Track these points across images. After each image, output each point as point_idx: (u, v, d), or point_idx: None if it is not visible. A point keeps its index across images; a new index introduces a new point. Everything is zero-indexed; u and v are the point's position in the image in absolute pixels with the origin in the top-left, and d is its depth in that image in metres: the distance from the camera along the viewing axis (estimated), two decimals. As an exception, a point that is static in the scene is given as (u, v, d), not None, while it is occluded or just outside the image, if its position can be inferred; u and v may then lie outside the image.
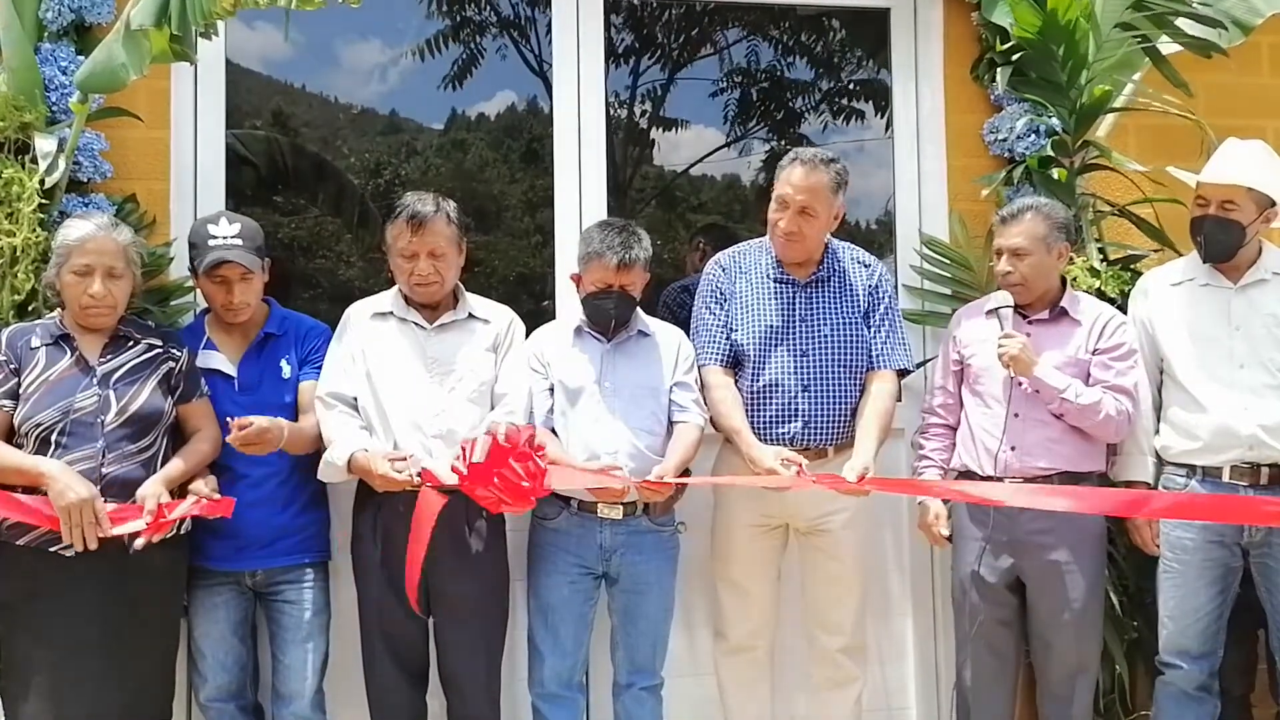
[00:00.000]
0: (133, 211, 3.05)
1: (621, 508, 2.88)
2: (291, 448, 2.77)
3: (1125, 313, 3.13)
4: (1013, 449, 2.96)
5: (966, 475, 3.06)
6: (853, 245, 3.20)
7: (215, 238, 2.79)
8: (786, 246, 3.02)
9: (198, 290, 2.94)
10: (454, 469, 2.70)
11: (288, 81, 4.20)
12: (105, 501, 2.54)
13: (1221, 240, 2.97)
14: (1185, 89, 3.34)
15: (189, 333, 2.93)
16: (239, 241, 2.79)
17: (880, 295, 3.10)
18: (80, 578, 2.55)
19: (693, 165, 4.97)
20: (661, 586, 2.99)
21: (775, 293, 3.06)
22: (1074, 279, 3.21)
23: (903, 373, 3.11)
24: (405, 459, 2.72)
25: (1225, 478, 2.93)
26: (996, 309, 2.96)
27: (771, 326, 3.02)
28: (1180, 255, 3.24)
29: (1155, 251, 3.42)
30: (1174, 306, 3.05)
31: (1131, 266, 3.36)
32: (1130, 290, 3.22)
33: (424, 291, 2.88)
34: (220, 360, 2.85)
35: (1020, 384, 2.97)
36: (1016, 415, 2.96)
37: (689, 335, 3.11)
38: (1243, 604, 3.00)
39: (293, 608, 2.84)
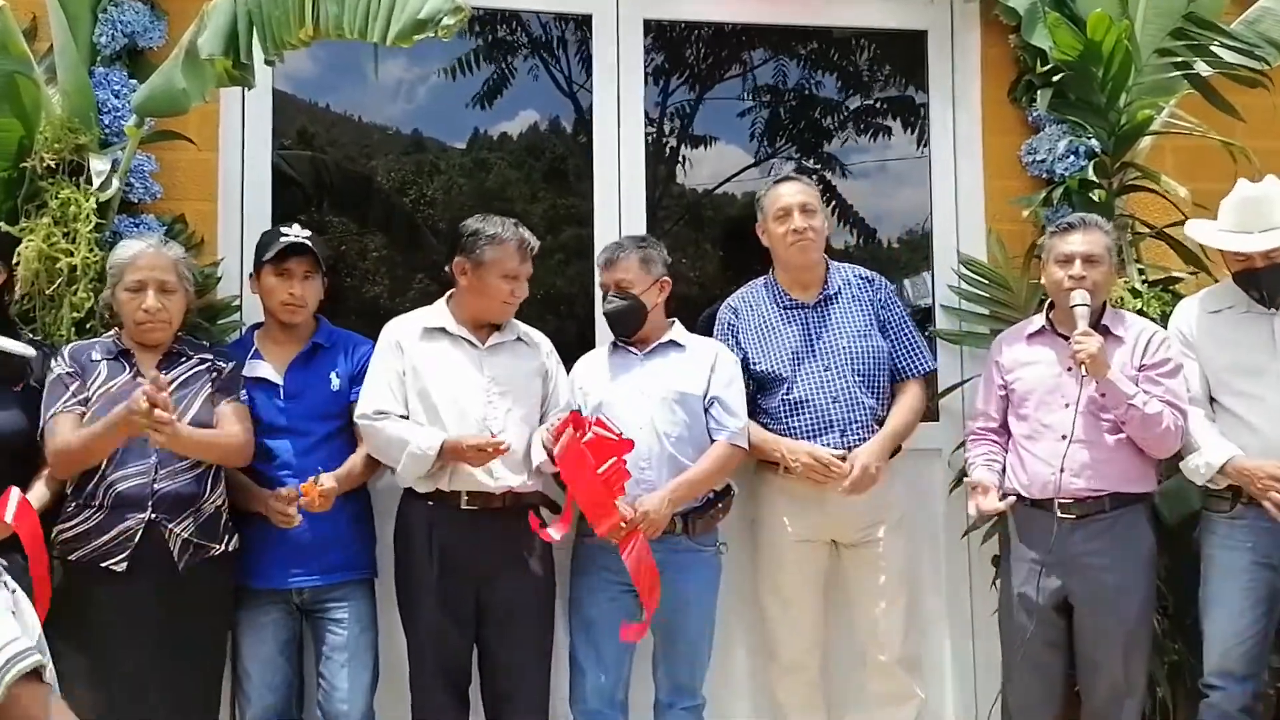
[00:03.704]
0: (181, 231, 3.09)
1: None
2: (344, 488, 2.79)
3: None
4: (1062, 471, 2.95)
5: (1017, 500, 3.03)
6: (850, 264, 3.30)
7: (286, 235, 2.87)
8: (801, 250, 3.12)
9: (243, 309, 2.97)
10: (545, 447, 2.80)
11: (312, 101, 4.22)
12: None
13: None
14: (1234, 113, 3.34)
15: (238, 345, 2.97)
16: (300, 239, 2.87)
17: (891, 307, 3.21)
18: (129, 595, 2.57)
19: (721, 184, 4.98)
20: (702, 606, 3.00)
21: (788, 318, 3.17)
22: (1119, 299, 3.21)
23: (927, 376, 3.20)
24: (496, 436, 2.76)
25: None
26: (1073, 306, 2.91)
27: (792, 346, 3.12)
28: (1215, 279, 3.25)
29: (1192, 274, 3.42)
30: (1216, 334, 3.04)
31: (1171, 288, 3.37)
32: (1171, 312, 3.21)
33: (510, 311, 2.95)
34: (267, 369, 2.88)
35: (1068, 406, 2.95)
36: (1064, 437, 2.95)
37: None
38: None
39: (340, 627, 2.84)
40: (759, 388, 3.15)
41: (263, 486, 2.80)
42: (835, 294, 3.19)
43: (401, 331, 2.94)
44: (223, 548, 2.70)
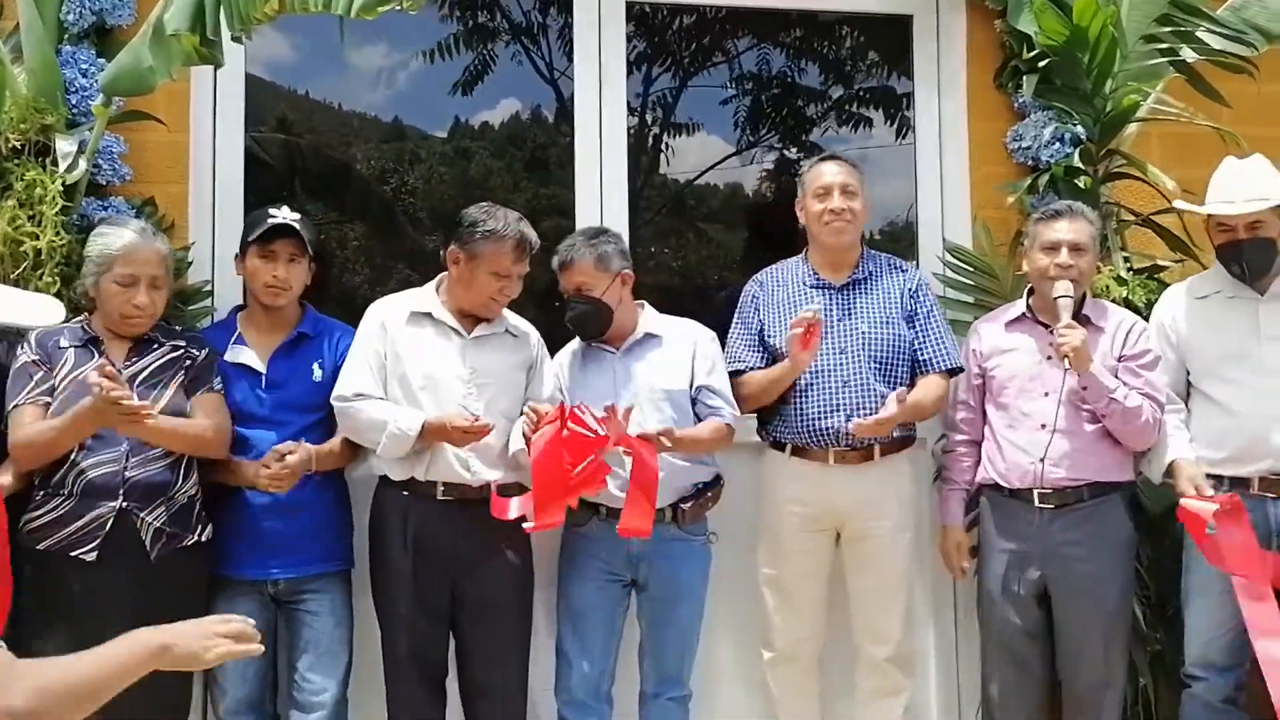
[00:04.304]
0: (151, 215, 3.03)
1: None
2: (321, 466, 2.75)
3: (1149, 323, 3.11)
4: (1041, 460, 2.94)
5: (995, 488, 3.05)
6: (886, 253, 3.24)
7: (274, 217, 2.81)
8: (838, 230, 3.06)
9: (214, 294, 2.92)
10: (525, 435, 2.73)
11: (291, 88, 4.16)
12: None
13: (1264, 260, 2.95)
14: (1221, 100, 3.33)
15: (221, 328, 2.92)
16: (297, 225, 2.82)
17: (921, 298, 3.13)
18: (101, 583, 2.52)
19: (704, 173, 4.94)
20: (692, 596, 2.96)
21: (811, 297, 3.08)
22: (1105, 288, 3.20)
23: (952, 372, 3.11)
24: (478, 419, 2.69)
25: (1254, 489, 2.90)
26: (1058, 297, 2.90)
27: None
28: (1203, 266, 3.24)
29: (1178, 261, 3.40)
30: (1202, 319, 3.03)
31: (1156, 276, 3.35)
32: (1156, 300, 3.20)
33: (498, 310, 2.88)
34: (250, 356, 2.83)
35: (1047, 394, 2.95)
36: (1044, 426, 2.95)
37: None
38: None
39: (316, 619, 2.80)
40: (771, 362, 3.07)
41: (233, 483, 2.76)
42: (865, 278, 3.12)
43: (387, 313, 2.88)
44: (196, 537, 2.66)
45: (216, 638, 1.60)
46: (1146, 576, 3.22)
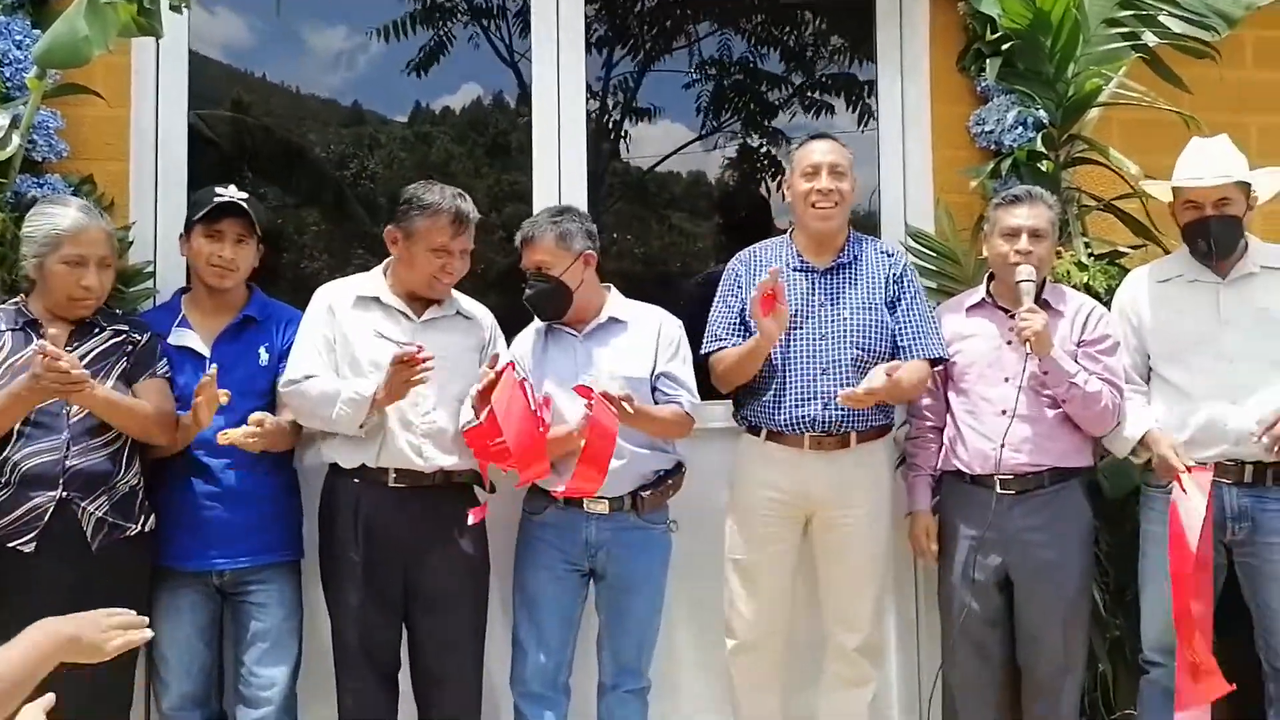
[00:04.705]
0: (90, 193, 2.93)
1: (608, 502, 2.81)
2: (274, 444, 2.68)
3: (1109, 308, 3.09)
4: (1002, 447, 2.91)
5: (957, 475, 3.03)
6: (873, 237, 3.19)
7: (221, 196, 2.73)
8: (824, 214, 2.99)
9: (156, 275, 2.82)
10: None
11: (248, 70, 4.07)
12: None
13: (1230, 238, 2.93)
14: (1181, 85, 3.32)
15: (164, 310, 2.83)
16: (245, 204, 2.74)
17: (905, 284, 3.06)
18: (40, 574, 2.44)
19: (665, 159, 4.89)
20: (650, 586, 2.91)
21: (794, 279, 3.02)
22: (1065, 273, 3.18)
23: (935, 362, 3.05)
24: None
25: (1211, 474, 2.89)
26: (1019, 282, 2.88)
27: (791, 309, 2.93)
28: (1165, 251, 3.22)
29: (1139, 247, 3.39)
30: (1163, 303, 3.02)
31: (1117, 261, 3.34)
32: (1117, 286, 3.18)
33: (444, 288, 2.80)
34: (194, 339, 2.75)
35: (1007, 380, 2.93)
36: (1005, 412, 2.92)
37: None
38: (1237, 599, 2.96)
39: (263, 611, 2.73)
40: None
41: (180, 467, 2.68)
42: (850, 263, 3.04)
43: (334, 297, 2.80)
44: (139, 528, 2.59)
45: (110, 630, 1.62)
46: (1105, 562, 3.22)
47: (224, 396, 2.51)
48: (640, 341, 2.91)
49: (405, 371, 2.56)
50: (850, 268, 3.04)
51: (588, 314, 2.92)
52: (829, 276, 3.04)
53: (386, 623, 2.75)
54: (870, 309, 3.00)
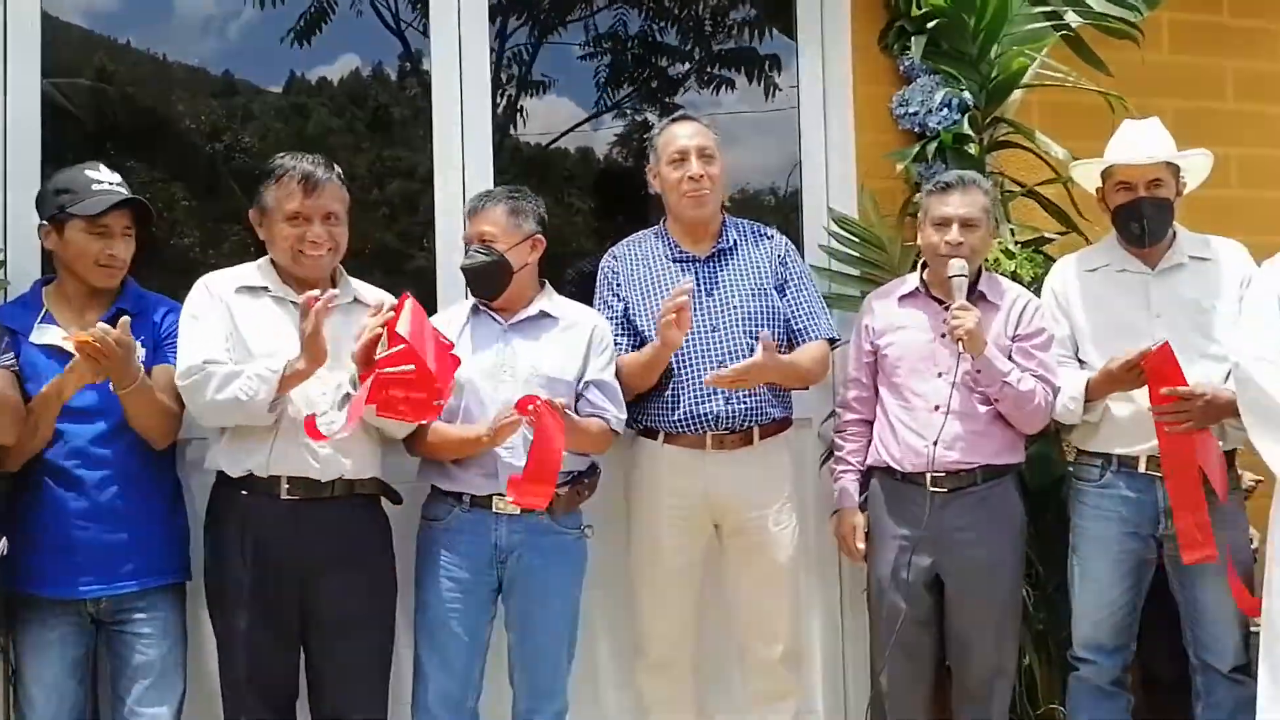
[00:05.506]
0: (-76, 172, 2.59)
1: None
2: (136, 406, 2.40)
3: (1039, 297, 3.03)
4: (935, 443, 2.82)
5: (887, 472, 2.93)
6: (746, 219, 3.07)
7: (100, 183, 2.46)
8: (696, 200, 2.87)
9: (7, 263, 2.54)
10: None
11: (111, 36, 3.74)
12: None
13: (1163, 221, 2.89)
14: (1102, 67, 3.27)
15: (21, 305, 2.54)
16: (125, 192, 2.48)
17: (790, 265, 2.97)
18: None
19: (566, 133, 4.69)
20: (564, 597, 2.72)
21: (676, 272, 2.88)
22: (995, 260, 3.09)
23: (833, 342, 2.95)
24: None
25: (1141, 468, 2.86)
26: (952, 277, 2.78)
27: None
28: (1087, 239, 3.17)
29: (1063, 234, 3.34)
30: (1091, 294, 2.96)
31: (1042, 250, 3.28)
32: (1044, 274, 3.11)
33: (313, 261, 2.55)
34: (60, 336, 2.45)
35: (941, 375, 2.84)
36: (937, 408, 2.83)
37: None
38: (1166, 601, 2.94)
39: (144, 643, 2.47)
40: (640, 344, 2.85)
41: (48, 478, 2.41)
42: (730, 248, 2.93)
43: (220, 286, 2.55)
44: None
45: None
46: (1031, 554, 3.16)
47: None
48: (570, 341, 2.74)
49: (316, 319, 2.33)
50: (731, 253, 2.94)
51: (518, 303, 2.75)
52: (710, 264, 2.92)
53: (280, 652, 2.51)
54: (760, 295, 2.89)
